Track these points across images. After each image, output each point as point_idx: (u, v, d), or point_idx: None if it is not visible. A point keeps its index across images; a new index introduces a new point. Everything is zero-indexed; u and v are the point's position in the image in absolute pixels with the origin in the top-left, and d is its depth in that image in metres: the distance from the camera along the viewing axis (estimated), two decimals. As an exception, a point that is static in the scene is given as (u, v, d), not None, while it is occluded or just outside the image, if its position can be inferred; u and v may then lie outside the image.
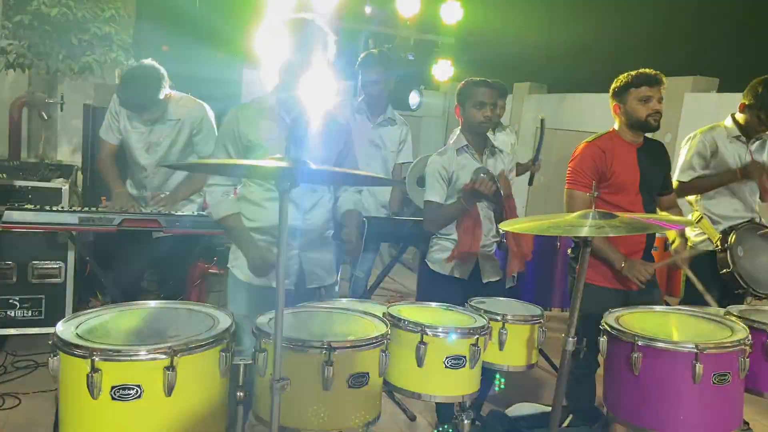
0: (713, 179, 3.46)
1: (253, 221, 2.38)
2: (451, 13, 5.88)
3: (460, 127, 3.00)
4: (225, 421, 1.71)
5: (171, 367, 1.51)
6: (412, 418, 3.37)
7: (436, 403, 2.80)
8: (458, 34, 6.24)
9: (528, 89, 9.19)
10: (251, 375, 1.76)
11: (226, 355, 1.66)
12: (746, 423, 3.62)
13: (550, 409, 2.66)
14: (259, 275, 2.33)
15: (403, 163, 4.00)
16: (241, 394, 1.74)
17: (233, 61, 5.25)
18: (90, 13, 5.02)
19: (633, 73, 2.82)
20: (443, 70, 6.17)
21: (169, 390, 1.52)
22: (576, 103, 7.78)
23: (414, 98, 5.58)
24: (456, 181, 2.88)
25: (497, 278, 2.97)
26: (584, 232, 1.69)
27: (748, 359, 1.95)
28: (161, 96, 3.10)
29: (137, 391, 1.49)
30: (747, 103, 3.36)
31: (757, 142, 3.47)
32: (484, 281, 2.93)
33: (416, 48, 5.70)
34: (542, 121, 4.64)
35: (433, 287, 2.89)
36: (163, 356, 1.51)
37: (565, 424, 2.60)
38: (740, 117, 3.41)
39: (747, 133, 3.41)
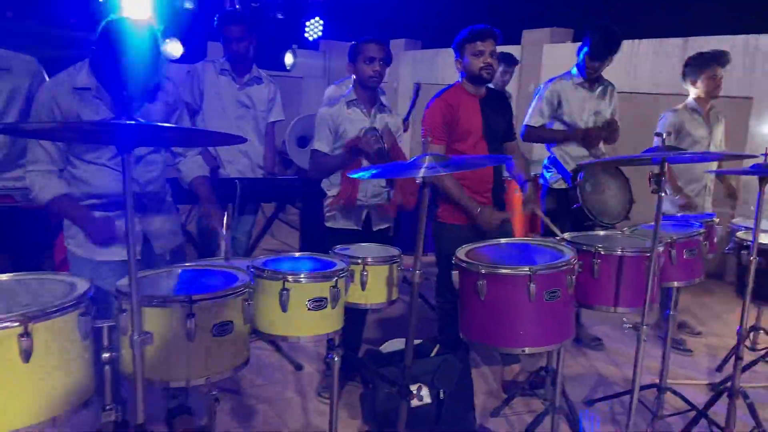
0: (558, 134, 3.82)
1: (86, 190, 2.34)
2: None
3: (338, 84, 3.11)
4: (92, 383, 1.74)
5: (25, 334, 1.53)
6: (299, 368, 3.51)
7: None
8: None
9: (403, 45, 9.35)
10: (116, 336, 1.81)
11: (85, 319, 1.69)
12: (598, 339, 4.09)
13: (419, 342, 2.90)
14: (102, 245, 2.29)
15: (275, 121, 4.00)
16: (107, 355, 1.79)
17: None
18: None
19: (468, 28, 3.01)
20: (314, 28, 6.17)
21: (26, 357, 1.53)
22: (450, 57, 8.03)
23: (289, 58, 5.55)
24: (342, 133, 3.01)
25: (387, 226, 3.18)
26: (420, 173, 1.85)
27: (574, 277, 2.23)
28: None
29: (-9, 361, 1.50)
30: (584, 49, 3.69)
31: (600, 88, 3.83)
32: (375, 229, 3.12)
33: (285, 6, 5.66)
34: (417, 85, 4.81)
35: (325, 241, 3.01)
36: (16, 324, 1.52)
37: (433, 353, 2.83)
38: (582, 62, 3.73)
39: (589, 77, 3.75)
